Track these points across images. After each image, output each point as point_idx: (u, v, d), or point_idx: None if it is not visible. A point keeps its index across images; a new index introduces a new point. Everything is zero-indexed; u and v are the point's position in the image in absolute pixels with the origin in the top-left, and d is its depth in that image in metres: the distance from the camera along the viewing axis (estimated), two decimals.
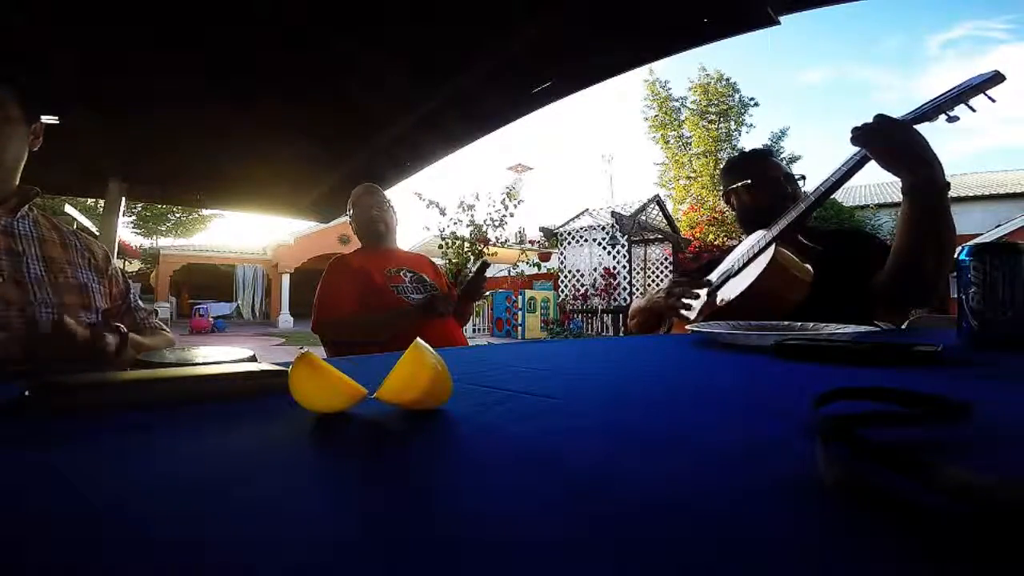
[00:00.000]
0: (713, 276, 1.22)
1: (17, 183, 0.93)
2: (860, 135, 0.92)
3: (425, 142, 2.27)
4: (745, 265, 1.10)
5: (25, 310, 0.84)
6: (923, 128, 0.90)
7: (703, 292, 1.15)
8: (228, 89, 1.70)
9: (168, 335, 1.08)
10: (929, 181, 0.90)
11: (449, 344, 1.47)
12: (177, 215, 16.72)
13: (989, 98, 0.83)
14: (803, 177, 1.27)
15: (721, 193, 1.45)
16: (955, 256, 0.68)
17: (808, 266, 1.01)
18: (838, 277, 1.06)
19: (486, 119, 2.09)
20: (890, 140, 0.90)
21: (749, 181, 1.28)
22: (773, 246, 1.03)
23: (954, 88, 0.85)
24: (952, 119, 0.86)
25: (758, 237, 1.13)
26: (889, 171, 0.92)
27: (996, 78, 0.82)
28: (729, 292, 1.09)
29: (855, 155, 0.97)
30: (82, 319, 0.92)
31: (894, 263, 0.99)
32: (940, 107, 0.86)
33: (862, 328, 0.78)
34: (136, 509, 0.19)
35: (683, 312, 1.16)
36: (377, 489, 0.22)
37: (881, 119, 0.91)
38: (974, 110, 0.84)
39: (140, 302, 1.10)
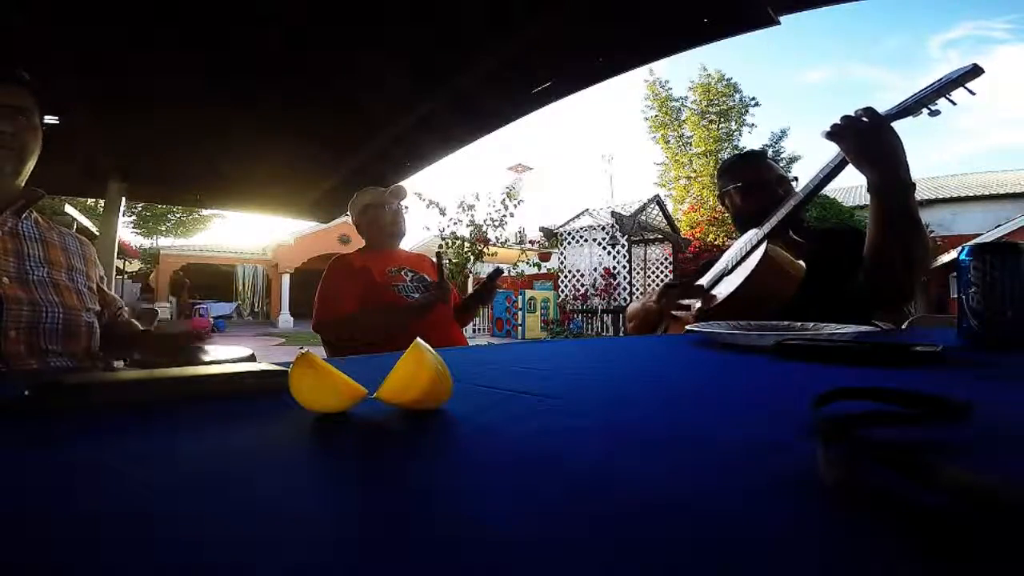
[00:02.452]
0: (708, 276, 1.23)
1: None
2: (835, 131, 0.94)
3: (425, 142, 2.27)
4: (738, 263, 1.11)
5: (32, 310, 0.85)
6: (922, 126, 0.91)
7: (695, 302, 1.16)
8: (228, 89, 1.70)
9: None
10: (892, 180, 0.91)
11: (449, 344, 1.47)
12: (177, 215, 16.71)
13: (969, 91, 0.85)
14: (796, 179, 1.28)
15: (717, 195, 1.46)
16: (954, 255, 0.69)
17: (800, 262, 1.01)
18: (832, 274, 1.07)
19: (486, 119, 2.09)
20: (860, 138, 0.92)
21: (740, 184, 1.29)
22: (765, 243, 1.04)
23: (935, 82, 0.87)
24: (934, 113, 0.87)
25: (750, 236, 1.15)
26: (857, 168, 0.94)
27: (975, 71, 0.83)
28: (723, 290, 1.09)
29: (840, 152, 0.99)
30: (83, 319, 0.93)
31: (866, 262, 1.00)
32: (921, 101, 0.87)
33: (862, 328, 0.79)
34: (136, 509, 0.19)
35: (678, 313, 1.17)
36: (377, 489, 0.22)
37: (863, 112, 0.92)
38: (954, 103, 0.86)
39: (124, 312, 1.11)
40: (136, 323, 1.08)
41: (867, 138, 0.91)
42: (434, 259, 1.63)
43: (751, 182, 1.28)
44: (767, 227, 1.11)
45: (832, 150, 1.01)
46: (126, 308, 1.12)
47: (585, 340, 1.76)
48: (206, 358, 1.03)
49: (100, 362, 0.98)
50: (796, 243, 1.16)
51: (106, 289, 1.08)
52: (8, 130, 0.86)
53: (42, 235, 0.95)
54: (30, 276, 0.88)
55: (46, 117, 0.96)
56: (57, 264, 0.94)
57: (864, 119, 0.92)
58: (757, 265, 1.00)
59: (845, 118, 0.94)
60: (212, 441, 0.29)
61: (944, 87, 0.85)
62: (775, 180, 1.26)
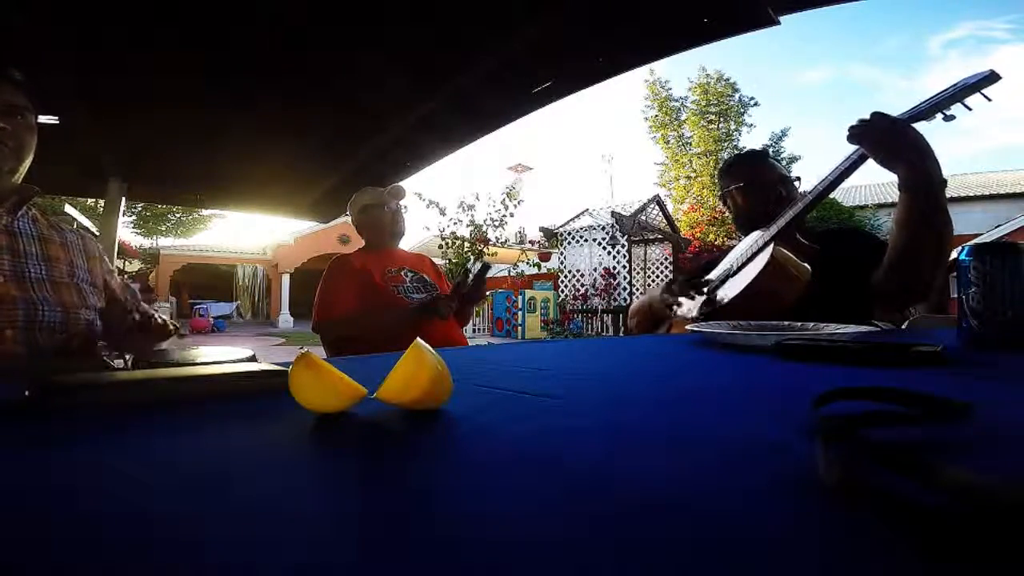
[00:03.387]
0: (712, 276, 1.23)
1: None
2: (857, 132, 0.93)
3: (425, 142, 2.26)
4: (744, 264, 1.11)
5: (27, 309, 0.85)
6: (923, 127, 0.90)
7: (699, 293, 1.15)
8: (228, 89, 1.70)
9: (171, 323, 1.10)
10: (926, 175, 0.91)
11: (449, 344, 1.47)
12: (177, 215, 16.72)
13: (985, 97, 0.84)
14: (798, 179, 1.28)
15: (718, 195, 1.46)
16: (954, 255, 0.69)
17: (806, 265, 1.01)
18: (836, 276, 1.06)
19: (486, 119, 2.09)
20: (887, 136, 0.91)
21: (742, 184, 1.28)
22: (771, 245, 1.04)
23: (950, 87, 0.85)
24: (948, 118, 0.86)
25: (756, 236, 1.14)
26: (886, 167, 0.93)
27: (991, 77, 0.82)
28: (728, 291, 1.09)
29: (853, 153, 0.98)
30: (82, 317, 0.93)
31: (892, 259, 0.99)
32: (937, 106, 0.86)
33: (862, 328, 0.79)
34: (136, 509, 0.19)
35: (682, 312, 1.16)
36: (377, 489, 0.22)
37: (877, 116, 0.92)
38: (970, 109, 0.85)
39: (139, 297, 1.12)
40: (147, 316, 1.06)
41: (892, 135, 0.90)
42: (434, 260, 1.64)
43: (753, 182, 1.27)
44: (774, 228, 1.09)
45: (844, 154, 1.00)
46: (147, 305, 1.12)
47: (585, 340, 1.76)
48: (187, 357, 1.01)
49: (100, 361, 0.98)
50: (803, 245, 1.15)
51: (115, 286, 1.07)
52: (7, 128, 0.86)
53: (40, 232, 0.95)
54: (27, 274, 0.88)
55: (42, 116, 0.97)
56: (56, 261, 0.94)
57: (881, 119, 0.91)
58: (763, 268, 1.00)
59: (862, 121, 0.93)
60: (212, 441, 0.29)
61: (960, 92, 0.84)
62: (777, 180, 1.25)
